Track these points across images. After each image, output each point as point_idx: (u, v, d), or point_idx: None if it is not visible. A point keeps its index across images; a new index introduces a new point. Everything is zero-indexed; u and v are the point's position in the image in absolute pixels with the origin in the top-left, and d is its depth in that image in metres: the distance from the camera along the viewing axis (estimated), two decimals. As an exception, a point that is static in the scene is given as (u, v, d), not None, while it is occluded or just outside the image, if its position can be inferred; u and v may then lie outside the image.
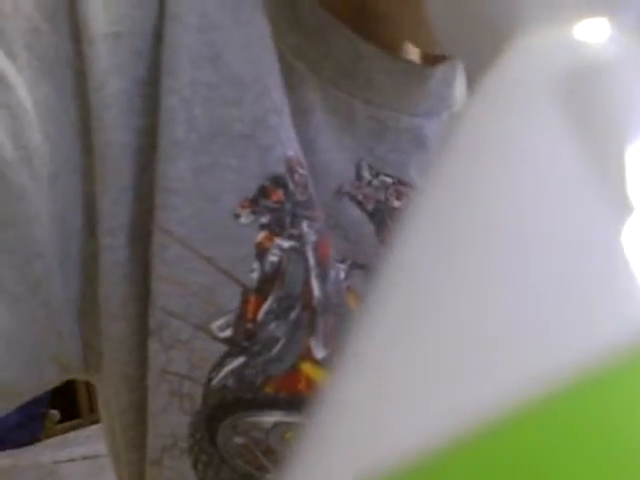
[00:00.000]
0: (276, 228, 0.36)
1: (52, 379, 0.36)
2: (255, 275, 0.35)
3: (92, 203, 0.34)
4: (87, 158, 0.34)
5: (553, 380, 0.11)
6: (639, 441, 0.10)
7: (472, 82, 0.18)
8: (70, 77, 0.33)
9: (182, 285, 0.34)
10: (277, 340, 0.36)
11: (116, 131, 0.33)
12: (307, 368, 0.36)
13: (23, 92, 0.32)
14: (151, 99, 0.34)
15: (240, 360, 0.35)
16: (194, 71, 0.34)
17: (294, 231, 0.36)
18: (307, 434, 0.13)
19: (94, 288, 0.35)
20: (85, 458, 2.23)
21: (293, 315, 0.36)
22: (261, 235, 0.35)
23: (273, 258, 0.35)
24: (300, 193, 0.36)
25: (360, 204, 0.39)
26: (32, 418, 2.45)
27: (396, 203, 0.40)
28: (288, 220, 0.36)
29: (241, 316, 0.35)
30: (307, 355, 0.36)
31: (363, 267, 0.39)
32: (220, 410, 0.36)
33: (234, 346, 0.35)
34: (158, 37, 0.34)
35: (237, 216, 0.35)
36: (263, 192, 0.35)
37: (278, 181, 0.36)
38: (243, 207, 0.35)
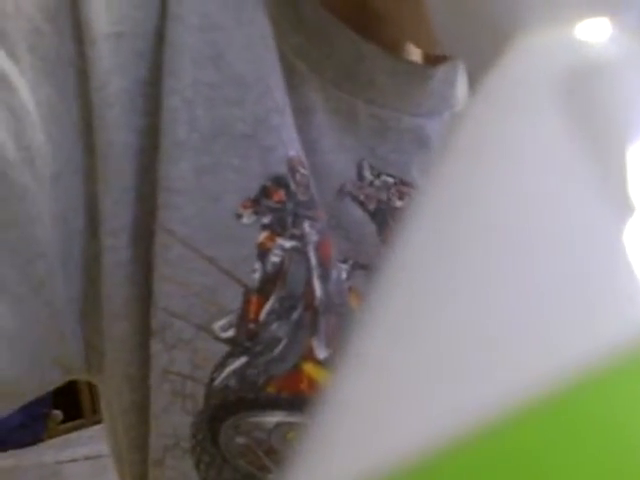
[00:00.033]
0: (278, 228, 0.36)
1: (54, 379, 0.36)
2: (257, 275, 0.35)
3: (94, 203, 0.34)
4: (89, 158, 0.34)
5: (555, 380, 0.11)
6: None
7: (474, 82, 0.18)
8: (72, 77, 0.34)
9: (184, 285, 0.34)
10: (279, 340, 0.36)
11: (118, 131, 0.33)
12: (309, 368, 0.36)
13: (26, 93, 0.32)
14: (153, 99, 0.34)
15: (242, 360, 0.35)
16: (196, 71, 0.34)
17: (296, 231, 0.36)
18: (309, 434, 0.13)
19: (96, 288, 0.35)
20: (88, 458, 2.23)
21: (295, 315, 0.36)
22: (263, 235, 0.35)
23: (275, 258, 0.35)
24: (302, 193, 0.36)
25: (362, 204, 0.39)
26: (35, 418, 2.45)
27: (398, 203, 0.40)
28: (290, 220, 0.36)
29: (243, 316, 0.35)
30: (309, 355, 0.36)
31: (365, 267, 0.39)
32: (222, 410, 0.36)
33: (236, 346, 0.35)
34: (160, 37, 0.34)
35: (239, 216, 0.35)
36: (265, 192, 0.35)
37: (280, 181, 0.36)
38: (245, 207, 0.35)
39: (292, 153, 0.36)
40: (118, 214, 0.34)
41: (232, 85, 0.35)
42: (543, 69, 0.15)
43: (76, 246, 0.34)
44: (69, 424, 2.62)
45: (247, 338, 0.35)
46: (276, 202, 0.36)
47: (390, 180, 0.40)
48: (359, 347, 0.13)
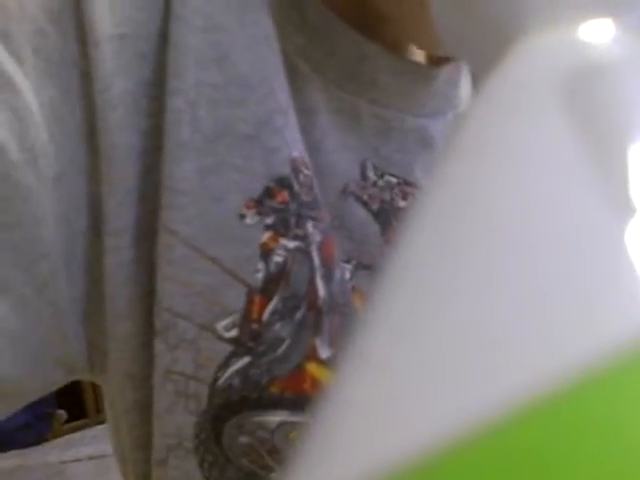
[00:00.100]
0: (281, 228, 0.36)
1: (57, 379, 0.36)
2: (260, 275, 0.35)
3: (97, 204, 0.34)
4: (92, 159, 0.34)
5: (557, 379, 0.11)
6: None
7: (477, 82, 0.18)
8: (76, 79, 0.34)
9: (187, 285, 0.35)
10: (282, 340, 0.36)
11: (121, 132, 0.34)
12: (312, 368, 0.36)
13: (29, 94, 0.32)
14: (156, 100, 0.34)
15: (245, 360, 0.35)
16: (199, 72, 0.34)
17: (299, 231, 0.36)
18: (311, 433, 0.13)
19: (99, 288, 0.35)
20: (92, 458, 2.23)
21: (298, 315, 0.36)
22: (266, 235, 0.35)
23: (278, 258, 0.35)
24: (305, 194, 0.36)
25: (365, 204, 0.39)
26: (39, 418, 2.45)
27: (401, 203, 0.40)
28: (293, 220, 0.36)
29: (246, 316, 0.35)
30: (312, 355, 0.36)
31: (368, 267, 0.39)
32: (225, 410, 0.36)
33: (239, 346, 0.35)
34: (163, 39, 0.34)
35: (242, 216, 0.35)
36: (268, 193, 0.35)
37: (283, 182, 0.36)
38: (248, 208, 0.35)
39: (295, 154, 0.36)
40: (121, 214, 0.34)
41: (235, 86, 0.35)
42: (546, 70, 0.15)
43: (79, 246, 0.34)
44: (73, 424, 2.62)
45: (250, 338, 0.35)
46: (279, 202, 0.36)
47: (393, 180, 0.40)
48: (362, 347, 0.13)
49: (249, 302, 0.35)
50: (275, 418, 0.36)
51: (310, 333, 0.36)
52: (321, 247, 0.36)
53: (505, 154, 0.14)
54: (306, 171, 0.36)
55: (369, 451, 0.11)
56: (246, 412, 0.36)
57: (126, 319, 0.35)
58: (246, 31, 0.35)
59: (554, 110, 0.14)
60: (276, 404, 0.36)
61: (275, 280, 0.35)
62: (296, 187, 0.36)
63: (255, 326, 0.35)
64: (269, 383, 0.36)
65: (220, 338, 0.35)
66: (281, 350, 0.36)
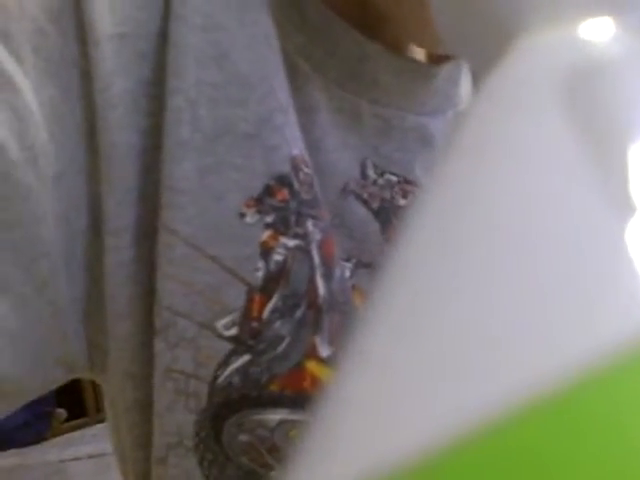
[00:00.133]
0: (281, 227, 0.36)
1: (57, 378, 0.36)
2: (260, 274, 0.35)
3: (97, 203, 0.34)
4: (92, 158, 0.34)
5: (558, 378, 0.11)
6: None
7: (477, 81, 0.18)
8: (76, 78, 0.34)
9: (187, 284, 0.35)
10: (282, 338, 0.36)
11: (121, 132, 0.34)
12: (312, 366, 0.36)
13: (29, 94, 0.32)
14: (156, 100, 0.34)
15: (245, 358, 0.35)
16: (199, 71, 0.34)
17: (299, 230, 0.36)
18: (311, 432, 0.13)
19: (99, 288, 0.35)
20: (91, 457, 2.23)
21: (298, 313, 0.36)
22: (266, 234, 0.35)
23: (278, 257, 0.35)
24: (305, 192, 0.36)
25: (365, 203, 0.39)
26: (39, 417, 2.45)
27: (401, 202, 0.40)
28: (293, 219, 0.36)
29: (246, 315, 0.35)
30: (312, 353, 0.36)
31: (368, 266, 0.39)
32: (225, 408, 0.36)
33: (239, 344, 0.35)
34: (163, 38, 0.34)
35: (242, 215, 0.35)
36: (268, 191, 0.35)
37: (283, 180, 0.36)
38: (248, 206, 0.35)
39: (296, 152, 0.36)
40: (121, 214, 0.34)
41: (235, 85, 0.35)
42: (546, 68, 0.15)
43: (79, 246, 0.34)
44: (73, 423, 2.62)
45: (250, 336, 0.35)
46: (279, 201, 0.36)
47: (394, 179, 0.40)
48: (362, 345, 0.13)
49: (249, 300, 0.35)
50: (275, 416, 0.36)
51: (310, 331, 0.36)
52: (321, 245, 0.36)
53: (505, 152, 0.14)
54: (306, 169, 0.36)
55: (369, 449, 0.11)
56: (246, 410, 0.36)
57: (126, 318, 0.35)
58: (246, 30, 0.35)
59: (554, 108, 0.14)
60: (276, 402, 0.36)
61: (275, 278, 0.35)
62: (296, 185, 0.36)
63: (255, 324, 0.35)
64: (269, 381, 0.36)
65: (220, 336, 0.35)
66: (281, 348, 0.36)
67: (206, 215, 0.34)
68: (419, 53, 0.42)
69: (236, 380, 0.35)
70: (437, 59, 0.42)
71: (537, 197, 0.13)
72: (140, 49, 0.34)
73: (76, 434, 2.52)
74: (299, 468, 0.12)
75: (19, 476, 2.19)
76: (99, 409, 2.52)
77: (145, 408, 0.37)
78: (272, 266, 0.35)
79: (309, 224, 0.36)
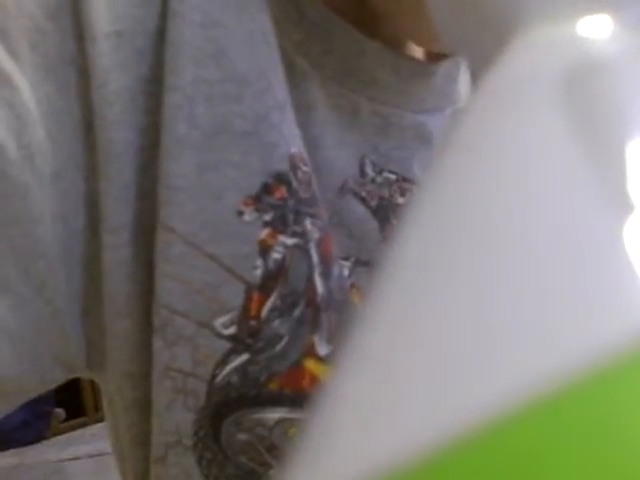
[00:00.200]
0: (279, 225, 0.36)
1: (56, 377, 0.36)
2: (259, 272, 0.35)
3: (95, 201, 0.34)
4: (90, 155, 0.34)
5: (556, 379, 0.11)
6: None
7: (476, 78, 0.18)
8: (73, 75, 0.34)
9: (186, 283, 0.35)
10: (281, 337, 0.36)
11: (119, 129, 0.34)
12: (311, 365, 0.36)
13: (27, 91, 0.32)
14: (154, 97, 0.34)
15: (244, 357, 0.35)
16: (197, 68, 0.34)
17: (297, 228, 0.36)
18: (310, 431, 0.13)
19: (97, 286, 0.35)
20: (90, 456, 2.23)
21: (297, 312, 0.36)
22: (264, 232, 0.35)
23: (276, 255, 0.35)
24: (303, 190, 0.36)
25: (364, 201, 0.39)
26: (38, 416, 2.45)
27: (400, 200, 0.40)
28: (291, 217, 0.36)
29: (245, 313, 0.35)
30: (311, 352, 0.36)
31: (367, 264, 0.39)
32: (224, 407, 0.36)
33: (238, 343, 0.35)
34: (161, 35, 0.34)
35: (240, 213, 0.35)
36: (266, 189, 0.35)
37: (281, 178, 0.36)
38: (246, 204, 0.35)
39: (294, 150, 0.36)
40: (119, 211, 0.34)
41: (233, 82, 0.35)
42: (544, 65, 0.15)
43: (77, 245, 0.34)
44: (72, 422, 2.62)
45: (249, 335, 0.35)
46: (277, 199, 0.36)
47: (392, 177, 0.40)
48: (360, 343, 0.13)
49: (247, 299, 0.35)
50: (274, 415, 0.36)
51: (308, 330, 0.36)
52: (319, 244, 0.36)
53: (503, 150, 0.14)
54: (304, 167, 0.36)
55: (367, 448, 0.11)
56: (244, 409, 0.36)
57: (124, 317, 0.35)
58: (244, 27, 0.35)
59: (552, 106, 0.14)
60: (275, 401, 0.36)
61: (273, 277, 0.35)
62: (294, 183, 0.36)
63: (253, 323, 0.35)
64: (268, 380, 0.36)
65: (218, 335, 0.35)
66: (280, 347, 0.36)
67: (204, 213, 0.34)
68: (417, 51, 0.42)
69: (235, 379, 0.35)
70: (435, 57, 0.42)
71: (535, 195, 0.13)
72: (137, 46, 0.34)
73: (75, 434, 2.52)
74: (297, 467, 0.12)
75: (18, 476, 2.19)
76: (98, 408, 2.52)
77: (143, 407, 0.37)
78: (270, 264, 0.35)
79: (307, 222, 0.36)
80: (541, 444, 0.10)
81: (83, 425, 2.58)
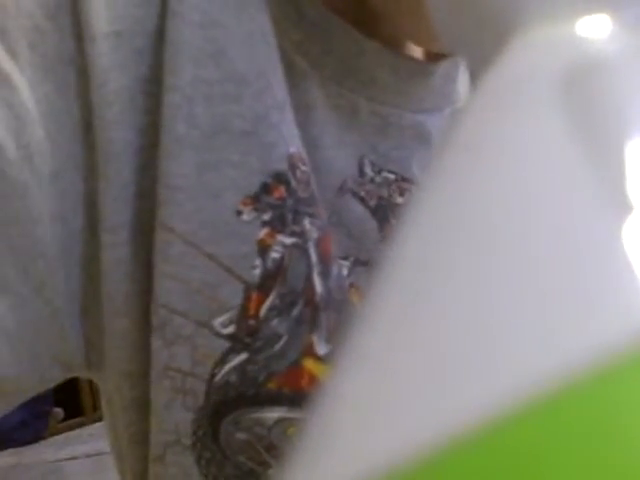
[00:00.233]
0: (278, 225, 0.36)
1: (55, 377, 0.36)
2: (257, 272, 0.35)
3: (94, 201, 0.34)
4: (89, 155, 0.34)
5: (555, 379, 0.11)
6: None
7: (475, 78, 0.18)
8: (72, 75, 0.34)
9: (185, 282, 0.35)
10: (279, 336, 0.36)
11: (118, 128, 0.34)
12: (310, 364, 0.36)
13: (26, 91, 0.32)
14: (153, 97, 0.34)
15: (243, 356, 0.35)
16: (196, 68, 0.34)
17: (296, 228, 0.36)
18: (309, 430, 0.13)
19: (96, 285, 0.35)
20: (88, 456, 2.23)
21: (295, 311, 0.36)
22: (263, 232, 0.35)
23: (275, 255, 0.35)
24: (302, 190, 0.36)
25: (363, 200, 0.39)
26: (36, 416, 2.45)
27: (399, 199, 0.40)
28: (290, 217, 0.36)
29: (243, 312, 0.35)
30: (310, 351, 0.36)
31: (366, 264, 0.39)
32: (223, 406, 0.36)
33: (237, 342, 0.35)
34: (160, 35, 0.34)
35: (239, 213, 0.35)
36: (265, 189, 0.35)
37: (280, 178, 0.36)
38: (245, 204, 0.35)
39: (293, 150, 0.36)
40: (118, 210, 0.34)
41: (232, 82, 0.35)
42: (543, 65, 0.15)
43: (76, 244, 0.34)
44: (70, 422, 2.62)
45: (247, 334, 0.35)
46: (276, 199, 0.36)
47: (391, 176, 0.40)
48: (359, 343, 0.13)
49: (246, 298, 0.35)
50: (272, 414, 0.36)
51: (307, 329, 0.36)
52: (318, 243, 0.36)
53: (502, 149, 0.14)
54: (303, 167, 0.36)
55: (366, 448, 0.11)
56: (243, 408, 0.36)
57: (123, 316, 0.35)
58: (243, 27, 0.35)
59: (551, 106, 0.14)
60: (273, 400, 0.36)
61: (272, 276, 0.35)
62: (293, 183, 0.36)
63: (252, 322, 0.35)
64: (266, 379, 0.36)
65: (217, 334, 0.35)
66: (278, 346, 0.36)
67: (203, 212, 0.34)
68: (416, 51, 0.42)
69: (233, 378, 0.35)
70: (434, 57, 0.42)
71: (534, 194, 0.13)
72: (137, 46, 0.34)
73: (73, 433, 2.52)
74: (296, 467, 0.12)
75: (16, 475, 2.19)
76: (96, 408, 2.52)
77: (142, 406, 0.37)
78: (269, 264, 0.35)
79: (306, 222, 0.36)
80: (541, 444, 0.10)
81: (81, 425, 2.58)
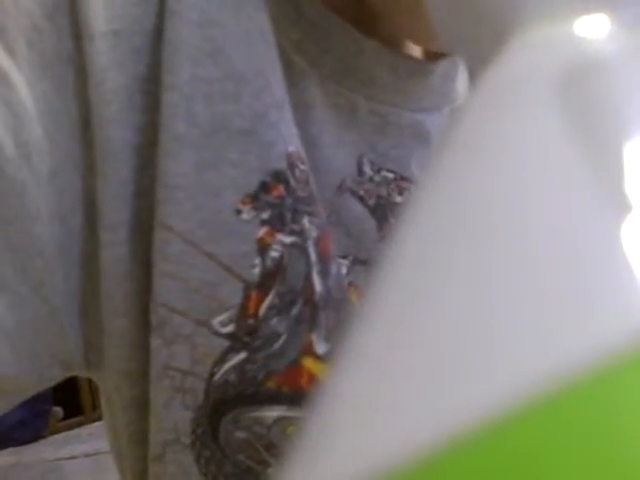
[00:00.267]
0: (277, 224, 0.36)
1: (54, 376, 0.36)
2: (257, 270, 0.35)
3: (92, 199, 0.34)
4: (87, 153, 0.34)
5: (555, 379, 0.11)
6: None
7: (473, 78, 0.18)
8: (70, 74, 0.34)
9: (184, 281, 0.35)
10: (279, 335, 0.36)
11: (116, 127, 0.34)
12: (309, 363, 0.36)
13: (24, 89, 0.32)
14: (151, 96, 0.34)
15: (242, 355, 0.35)
16: (194, 67, 0.34)
17: (295, 227, 0.36)
18: (308, 429, 0.13)
19: (95, 284, 0.35)
20: (88, 455, 2.23)
21: (295, 310, 0.36)
22: (262, 231, 0.35)
23: (274, 254, 0.35)
24: (301, 189, 0.36)
25: (362, 199, 0.39)
26: (35, 415, 2.45)
27: (398, 198, 0.40)
28: (289, 216, 0.36)
29: (243, 311, 0.35)
30: (309, 350, 0.36)
31: (365, 263, 0.39)
32: (222, 405, 0.36)
33: (236, 341, 0.35)
34: (158, 34, 0.34)
35: (238, 212, 0.35)
36: (264, 188, 0.35)
37: (279, 177, 0.36)
38: (244, 203, 0.35)
39: (292, 148, 0.36)
40: (117, 208, 0.34)
41: (231, 81, 0.35)
42: (542, 65, 0.15)
43: (75, 243, 0.34)
44: (69, 421, 2.62)
45: (247, 333, 0.35)
46: (275, 197, 0.36)
47: (390, 176, 0.40)
48: (358, 342, 0.13)
49: (246, 297, 0.35)
50: (272, 413, 0.36)
51: (306, 328, 0.36)
52: (317, 242, 0.36)
53: (500, 149, 0.14)
54: (302, 166, 0.36)
55: (366, 447, 0.11)
56: (242, 407, 0.36)
57: (122, 315, 0.35)
58: (241, 26, 0.35)
59: (549, 105, 0.14)
60: (273, 399, 0.36)
61: (272, 275, 0.35)
62: (292, 182, 0.36)
63: (251, 321, 0.35)
64: (266, 378, 0.36)
65: (216, 333, 0.35)
66: (277, 345, 0.36)
67: (202, 211, 0.34)
68: (415, 50, 0.42)
69: (233, 377, 0.35)
70: (433, 56, 0.42)
71: (533, 194, 0.13)
72: (135, 45, 0.34)
73: (73, 433, 2.52)
74: (296, 466, 0.12)
75: (15, 474, 2.18)
76: (95, 407, 2.52)
77: (141, 405, 0.37)
78: (268, 263, 0.35)
79: (305, 221, 0.36)
80: (540, 444, 0.10)
81: (80, 424, 2.58)
